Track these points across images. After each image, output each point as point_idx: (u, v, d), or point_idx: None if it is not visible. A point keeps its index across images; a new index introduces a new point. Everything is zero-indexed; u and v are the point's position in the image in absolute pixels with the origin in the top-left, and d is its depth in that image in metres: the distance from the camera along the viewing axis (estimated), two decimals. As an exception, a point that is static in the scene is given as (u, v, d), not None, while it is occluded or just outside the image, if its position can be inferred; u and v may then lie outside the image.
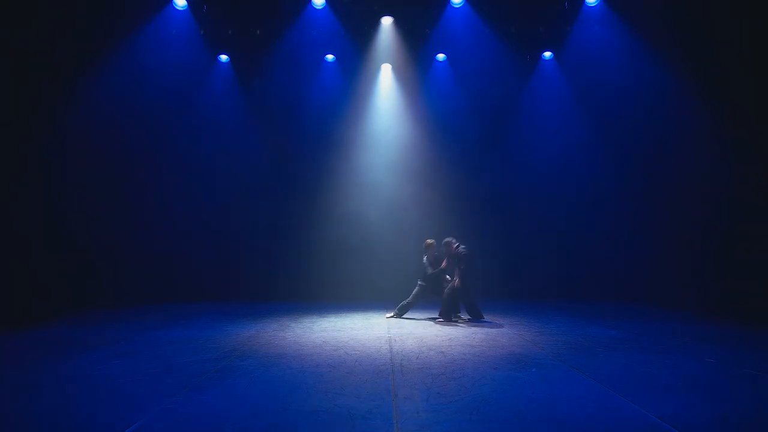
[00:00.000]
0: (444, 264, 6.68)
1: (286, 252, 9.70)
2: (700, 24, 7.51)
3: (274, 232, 9.81)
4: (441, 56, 10.10)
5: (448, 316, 6.57)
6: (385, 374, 3.67)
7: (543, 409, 2.86)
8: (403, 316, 6.88)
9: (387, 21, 9.44)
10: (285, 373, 3.71)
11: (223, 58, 9.78)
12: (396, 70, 10.17)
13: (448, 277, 6.76)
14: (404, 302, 6.86)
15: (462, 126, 10.09)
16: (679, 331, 5.67)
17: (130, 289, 8.84)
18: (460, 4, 9.19)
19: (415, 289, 6.86)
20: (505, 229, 9.93)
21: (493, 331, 5.72)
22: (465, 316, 6.83)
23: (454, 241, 6.65)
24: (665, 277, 8.36)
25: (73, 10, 7.76)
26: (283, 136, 10.05)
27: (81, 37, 8.11)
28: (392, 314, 6.88)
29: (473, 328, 5.92)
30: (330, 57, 10.02)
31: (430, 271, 6.73)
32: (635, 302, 8.50)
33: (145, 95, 9.03)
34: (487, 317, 6.84)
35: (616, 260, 9.20)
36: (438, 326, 6.14)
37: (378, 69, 10.13)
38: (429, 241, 6.95)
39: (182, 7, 8.81)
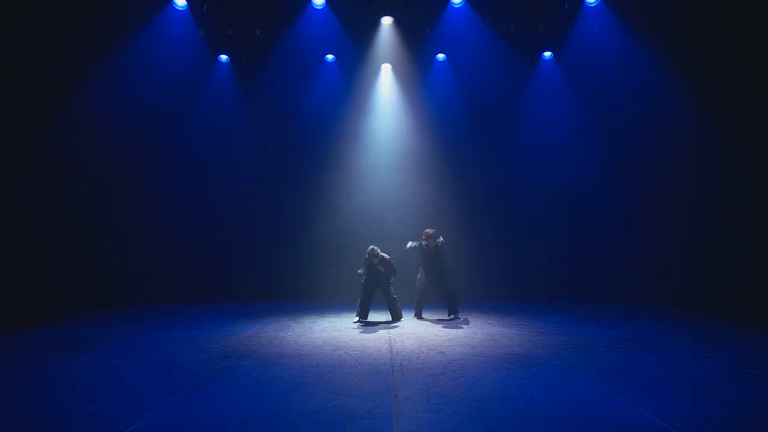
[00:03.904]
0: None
1: (287, 252, 9.70)
2: (700, 23, 7.51)
3: (275, 232, 9.81)
4: (441, 56, 10.10)
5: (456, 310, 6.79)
6: (385, 374, 3.67)
7: (543, 409, 2.86)
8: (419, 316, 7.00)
9: (387, 21, 9.44)
10: (285, 373, 3.71)
11: (223, 58, 9.78)
12: (396, 70, 10.17)
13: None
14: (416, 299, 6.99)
15: (462, 126, 10.09)
16: (679, 331, 5.67)
17: (131, 289, 8.84)
18: (460, 4, 9.20)
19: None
20: (505, 229, 9.93)
21: (493, 331, 5.72)
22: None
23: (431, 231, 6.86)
24: (665, 277, 8.36)
25: (72, 11, 7.76)
26: (283, 136, 10.04)
27: (80, 38, 8.10)
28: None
29: (473, 328, 5.91)
30: (330, 57, 10.02)
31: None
32: (635, 302, 8.50)
33: (146, 95, 9.01)
34: (488, 317, 6.84)
35: (616, 260, 9.20)
36: (438, 326, 6.14)
37: (378, 69, 10.13)
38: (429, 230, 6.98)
39: (182, 7, 8.80)
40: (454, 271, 6.96)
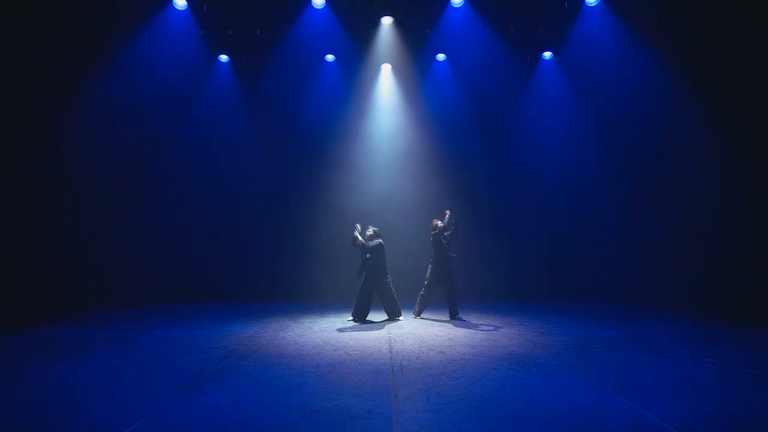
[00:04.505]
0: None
1: (286, 252, 9.71)
2: (700, 24, 7.51)
3: (275, 232, 9.82)
4: (441, 56, 10.11)
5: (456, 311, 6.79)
6: (385, 374, 3.67)
7: (543, 409, 2.86)
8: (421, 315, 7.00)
9: (387, 21, 9.45)
10: (285, 373, 3.71)
11: (223, 58, 9.79)
12: (396, 70, 10.18)
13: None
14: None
15: (462, 126, 10.11)
16: (678, 331, 5.67)
17: (131, 290, 8.85)
18: (460, 4, 9.20)
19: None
20: (505, 230, 9.95)
21: (493, 331, 5.72)
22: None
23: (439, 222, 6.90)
24: (665, 277, 8.36)
25: (72, 11, 7.75)
26: (283, 136, 10.06)
27: (80, 38, 8.10)
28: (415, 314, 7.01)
29: (473, 328, 5.91)
30: (330, 57, 10.02)
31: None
32: (635, 302, 8.50)
33: (145, 96, 9.03)
34: (488, 317, 6.84)
35: (616, 261, 9.21)
36: (438, 326, 6.14)
37: (378, 69, 10.13)
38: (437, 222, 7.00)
39: (182, 7, 8.81)
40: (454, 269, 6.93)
